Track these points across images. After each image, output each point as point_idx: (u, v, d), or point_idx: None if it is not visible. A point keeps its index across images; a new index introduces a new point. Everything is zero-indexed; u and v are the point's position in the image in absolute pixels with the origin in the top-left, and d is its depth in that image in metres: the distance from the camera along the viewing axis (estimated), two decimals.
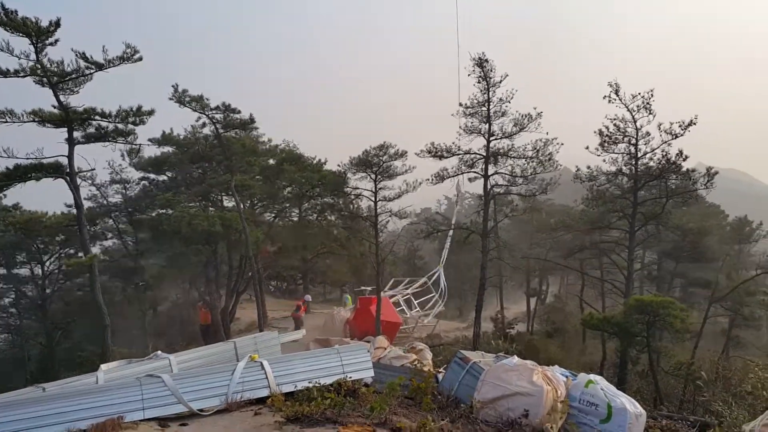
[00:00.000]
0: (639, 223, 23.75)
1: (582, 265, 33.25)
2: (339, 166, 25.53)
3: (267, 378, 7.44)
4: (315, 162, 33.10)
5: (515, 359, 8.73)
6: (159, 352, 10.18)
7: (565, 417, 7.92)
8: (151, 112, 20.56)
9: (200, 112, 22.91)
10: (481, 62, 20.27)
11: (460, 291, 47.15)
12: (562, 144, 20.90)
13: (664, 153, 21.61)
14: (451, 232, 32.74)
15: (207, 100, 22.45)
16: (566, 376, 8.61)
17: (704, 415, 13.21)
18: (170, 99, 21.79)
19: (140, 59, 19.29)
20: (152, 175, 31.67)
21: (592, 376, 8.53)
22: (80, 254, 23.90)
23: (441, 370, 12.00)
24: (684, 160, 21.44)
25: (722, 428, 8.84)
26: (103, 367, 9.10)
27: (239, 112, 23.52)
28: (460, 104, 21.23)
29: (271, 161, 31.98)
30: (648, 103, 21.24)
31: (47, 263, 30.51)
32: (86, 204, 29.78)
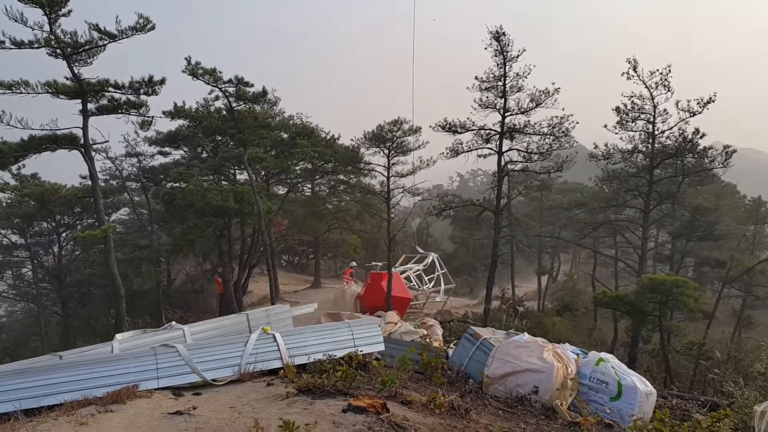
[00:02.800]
0: (654, 201, 23.51)
1: (595, 244, 33.09)
2: (352, 140, 25.44)
3: (279, 350, 7.47)
4: (329, 137, 33.01)
5: (526, 336, 8.72)
6: (173, 322, 10.26)
7: (575, 394, 7.93)
8: (162, 81, 20.44)
9: (213, 86, 22.67)
10: (497, 36, 19.71)
11: (471, 268, 47.13)
12: (578, 122, 20.55)
13: (681, 131, 21.30)
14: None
15: (220, 72, 22.30)
16: (577, 354, 8.59)
17: (715, 396, 13.21)
18: (183, 72, 21.63)
19: (153, 29, 19.17)
20: (167, 149, 31.82)
21: (602, 354, 8.51)
22: (95, 222, 24.17)
23: (451, 345, 12.05)
24: (701, 137, 21.13)
25: (733, 408, 8.81)
26: (118, 336, 9.18)
27: (252, 85, 23.37)
28: (476, 77, 20.80)
29: (284, 135, 31.93)
30: (666, 80, 20.86)
31: (63, 234, 30.99)
32: (101, 178, 30.15)
